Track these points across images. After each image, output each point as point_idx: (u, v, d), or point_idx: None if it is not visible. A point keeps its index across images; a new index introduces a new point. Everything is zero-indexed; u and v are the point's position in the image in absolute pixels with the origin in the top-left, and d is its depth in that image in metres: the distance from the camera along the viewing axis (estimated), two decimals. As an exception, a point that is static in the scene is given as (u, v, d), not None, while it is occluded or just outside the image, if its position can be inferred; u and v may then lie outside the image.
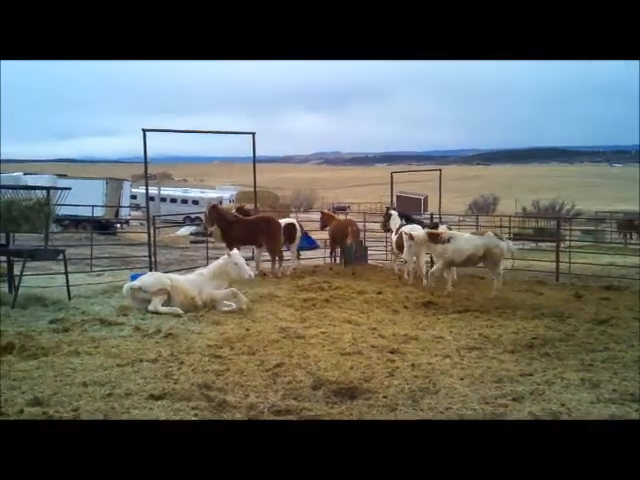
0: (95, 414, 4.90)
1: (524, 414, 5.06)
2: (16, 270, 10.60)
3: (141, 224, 38.90)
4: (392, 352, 7.15)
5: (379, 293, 11.42)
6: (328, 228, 16.56)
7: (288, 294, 11.25)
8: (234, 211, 15.97)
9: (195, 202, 49.07)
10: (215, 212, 14.31)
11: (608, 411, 5.15)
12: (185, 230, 35.36)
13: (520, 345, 7.63)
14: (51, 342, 7.21)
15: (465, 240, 12.05)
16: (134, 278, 11.23)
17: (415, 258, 12.99)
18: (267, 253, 14.62)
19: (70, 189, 10.19)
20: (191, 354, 6.87)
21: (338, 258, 16.78)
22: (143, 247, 19.46)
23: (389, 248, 17.74)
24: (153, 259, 13.68)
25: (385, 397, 5.51)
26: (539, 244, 25.13)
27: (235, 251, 10.25)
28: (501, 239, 12.16)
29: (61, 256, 10.38)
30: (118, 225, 35.99)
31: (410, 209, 31.46)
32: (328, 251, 17.39)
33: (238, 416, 5.00)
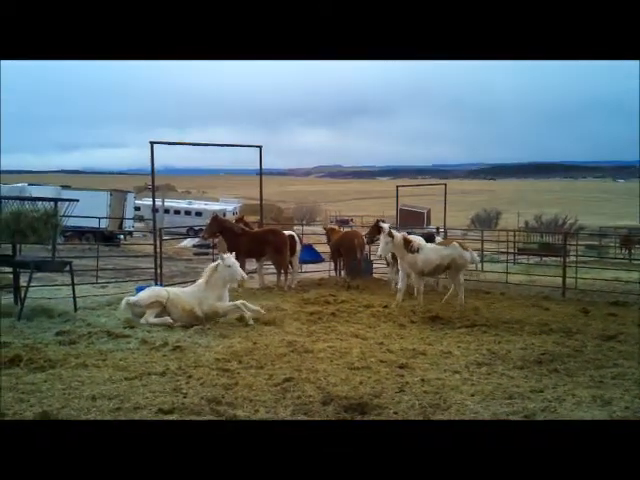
0: (105, 428, 4.85)
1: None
2: (21, 281, 10.60)
3: (144, 236, 38.97)
4: (401, 367, 7.11)
5: (385, 307, 11.38)
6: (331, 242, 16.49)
7: (294, 307, 11.22)
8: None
9: (198, 214, 49.16)
10: (220, 223, 14.32)
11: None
12: (188, 242, 35.37)
13: (529, 361, 7.58)
14: (58, 354, 7.18)
15: (432, 250, 12.05)
16: (139, 290, 11.23)
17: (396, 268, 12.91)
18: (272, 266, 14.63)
19: (78, 201, 10.19)
20: (199, 367, 6.83)
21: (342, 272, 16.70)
22: (147, 259, 19.53)
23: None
24: (159, 271, 13.66)
25: (396, 413, 5.47)
26: (543, 259, 25.10)
27: (228, 254, 10.17)
28: (465, 249, 12.21)
29: (68, 268, 10.35)
30: (121, 237, 36.00)
31: (413, 223, 31.45)
32: (332, 264, 17.31)
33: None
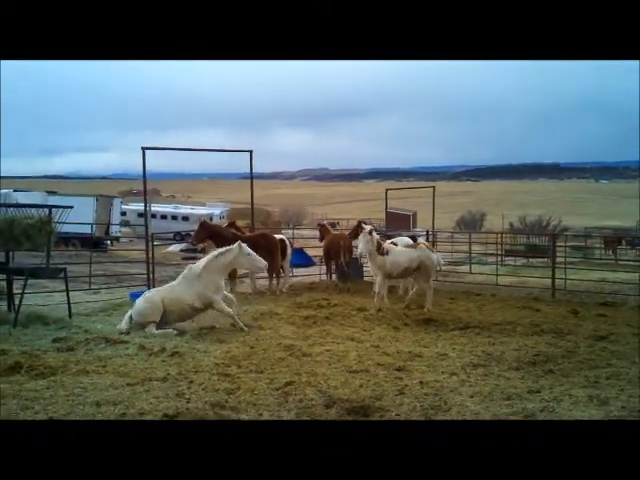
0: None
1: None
2: (15, 288, 10.57)
3: (130, 241, 38.74)
4: (399, 370, 7.20)
5: (378, 310, 11.46)
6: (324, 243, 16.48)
7: (288, 311, 11.26)
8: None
9: (185, 219, 48.91)
10: (209, 229, 14.23)
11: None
12: (174, 247, 35.23)
13: (523, 362, 7.70)
14: (58, 361, 7.16)
15: (400, 253, 12.14)
16: (133, 296, 11.22)
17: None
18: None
19: (72, 207, 10.18)
20: (199, 372, 6.86)
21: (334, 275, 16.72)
22: (137, 264, 19.47)
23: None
24: (152, 276, 13.66)
25: (398, 415, 5.55)
26: (530, 260, 25.31)
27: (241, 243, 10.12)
28: (432, 251, 12.39)
29: (62, 274, 10.34)
30: (108, 242, 35.78)
31: (399, 225, 31.55)
32: (324, 267, 17.32)
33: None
